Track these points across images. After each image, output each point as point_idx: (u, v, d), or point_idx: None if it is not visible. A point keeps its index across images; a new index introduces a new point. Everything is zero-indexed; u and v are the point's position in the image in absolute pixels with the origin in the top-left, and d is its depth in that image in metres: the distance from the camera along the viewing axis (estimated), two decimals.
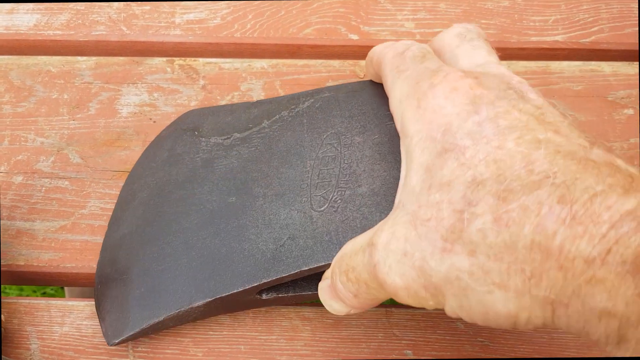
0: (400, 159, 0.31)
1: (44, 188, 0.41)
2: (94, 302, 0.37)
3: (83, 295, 0.57)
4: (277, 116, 0.38)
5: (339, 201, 0.34)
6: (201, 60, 0.46)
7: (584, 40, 0.47)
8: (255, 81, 0.45)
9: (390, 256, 0.26)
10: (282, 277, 0.33)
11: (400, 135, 0.30)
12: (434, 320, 0.38)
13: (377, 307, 0.38)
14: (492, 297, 0.24)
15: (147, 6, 0.48)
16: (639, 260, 0.21)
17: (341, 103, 0.38)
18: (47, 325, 0.37)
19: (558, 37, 0.47)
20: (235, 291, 0.34)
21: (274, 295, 0.35)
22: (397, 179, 0.32)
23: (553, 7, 0.48)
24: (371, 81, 0.38)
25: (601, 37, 0.47)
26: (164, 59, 0.46)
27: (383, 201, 0.33)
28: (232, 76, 0.45)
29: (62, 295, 0.85)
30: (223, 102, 0.45)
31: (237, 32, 0.47)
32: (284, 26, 0.47)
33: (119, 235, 0.38)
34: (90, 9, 0.48)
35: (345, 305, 0.31)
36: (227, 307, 0.36)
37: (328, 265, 0.32)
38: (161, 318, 0.34)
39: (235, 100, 0.44)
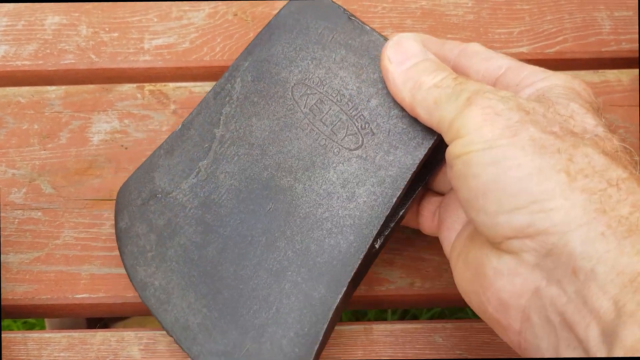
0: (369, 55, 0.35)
1: (17, 220, 0.41)
2: (71, 334, 0.37)
3: (62, 325, 0.56)
4: (222, 116, 0.37)
5: (366, 123, 0.34)
6: (171, 84, 0.46)
7: (548, 50, 0.48)
8: None
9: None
10: (394, 202, 0.33)
11: None
12: (412, 335, 0.38)
13: (356, 324, 0.38)
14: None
15: (116, 33, 0.48)
16: None
17: (265, 64, 0.37)
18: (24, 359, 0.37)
19: (523, 49, 0.47)
20: (363, 253, 0.33)
21: (381, 241, 0.34)
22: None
23: (517, 19, 0.49)
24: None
25: (565, 47, 0.48)
26: (134, 85, 0.46)
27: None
28: None
29: (43, 324, 0.84)
30: None
31: (207, 55, 0.47)
32: None
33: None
34: (58, 38, 0.48)
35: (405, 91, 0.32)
36: (356, 283, 0.35)
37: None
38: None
39: None
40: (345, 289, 0.33)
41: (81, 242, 0.40)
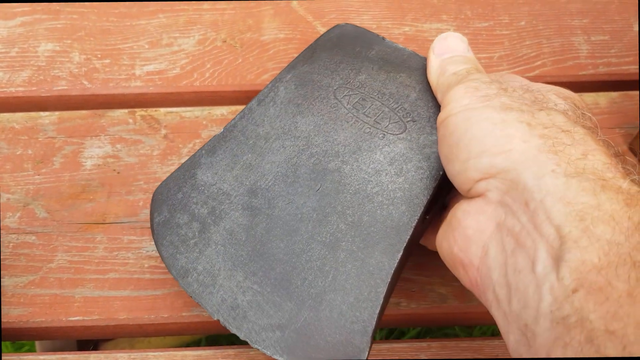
0: (405, 65, 0.39)
1: (11, 244, 0.42)
2: (65, 356, 0.38)
3: (54, 347, 0.57)
4: (266, 117, 0.38)
5: (407, 113, 0.37)
6: (162, 110, 0.48)
7: (528, 74, 0.49)
8: (215, 128, 0.47)
9: None
10: (441, 174, 0.35)
11: None
12: (398, 354, 0.39)
13: None
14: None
15: (108, 59, 0.49)
16: None
17: (308, 74, 0.40)
18: None
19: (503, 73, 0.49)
20: (416, 220, 0.34)
21: (430, 214, 0.36)
22: (421, 77, 0.39)
23: (497, 44, 0.50)
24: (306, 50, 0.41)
25: (544, 71, 0.49)
26: (126, 110, 0.47)
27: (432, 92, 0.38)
28: (193, 124, 0.47)
29: (33, 345, 0.84)
30: (185, 150, 0.46)
31: (197, 81, 0.49)
32: (242, 73, 0.49)
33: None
34: (52, 65, 0.49)
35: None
36: (409, 253, 0.36)
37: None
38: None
39: (197, 148, 0.45)
40: (401, 254, 0.34)
41: (74, 266, 0.41)
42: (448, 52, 0.37)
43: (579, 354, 0.23)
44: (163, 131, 0.46)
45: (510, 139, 0.29)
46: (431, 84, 0.38)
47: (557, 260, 0.25)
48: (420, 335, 0.77)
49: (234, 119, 0.39)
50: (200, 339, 0.74)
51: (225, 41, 0.50)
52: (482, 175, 0.30)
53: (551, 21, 0.51)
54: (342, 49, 0.40)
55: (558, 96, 0.33)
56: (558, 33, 0.51)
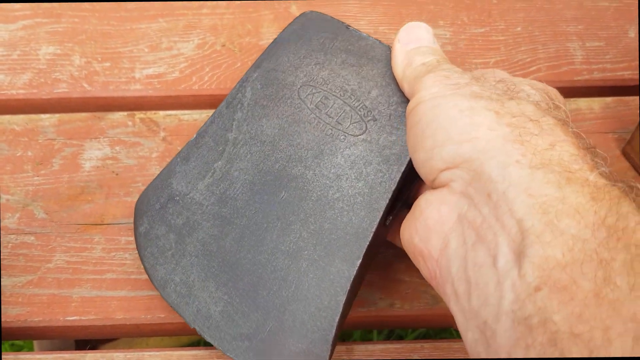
0: (367, 56, 0.39)
1: (10, 244, 0.42)
2: (62, 355, 0.38)
3: (51, 347, 0.57)
4: (234, 121, 0.39)
5: (368, 111, 0.37)
6: (161, 113, 0.48)
7: None
8: None
9: None
10: (399, 177, 0.35)
11: None
12: (392, 355, 0.39)
13: (339, 344, 0.40)
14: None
15: (108, 62, 0.50)
16: None
17: (273, 72, 0.39)
18: None
19: None
20: (375, 226, 0.34)
21: (390, 219, 0.36)
22: (384, 68, 0.38)
23: (493, 50, 0.51)
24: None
25: (540, 76, 0.50)
26: (125, 113, 0.48)
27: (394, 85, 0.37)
28: (192, 127, 0.47)
29: (31, 345, 0.85)
30: None
31: (195, 84, 0.49)
32: (240, 77, 0.49)
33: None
34: (52, 68, 0.50)
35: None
36: (370, 257, 0.36)
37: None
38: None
39: None
40: (360, 261, 0.34)
41: (72, 266, 0.41)
42: (414, 42, 0.36)
43: (542, 356, 0.22)
44: (162, 134, 0.47)
45: (477, 127, 0.28)
46: (396, 75, 0.37)
47: (519, 255, 0.24)
48: (419, 338, 0.78)
49: (205, 123, 0.39)
50: (199, 340, 0.75)
51: (224, 45, 0.51)
52: (446, 164, 0.29)
53: (546, 27, 0.52)
54: (307, 42, 0.40)
55: (532, 87, 0.32)
56: (553, 39, 0.51)
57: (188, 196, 0.37)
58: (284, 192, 0.36)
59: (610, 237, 0.23)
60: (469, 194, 0.28)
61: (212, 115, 0.39)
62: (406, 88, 0.35)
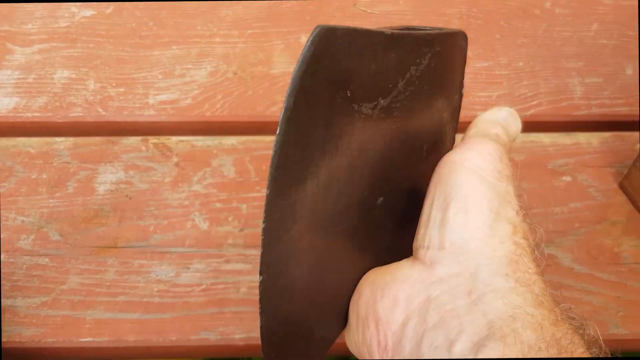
0: None
1: (25, 265, 0.43)
2: None
3: None
4: (408, 74, 0.31)
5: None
6: (174, 138, 0.49)
7: (524, 113, 0.51)
8: (226, 157, 0.48)
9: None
10: None
11: None
12: None
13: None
14: None
15: (122, 88, 0.51)
16: None
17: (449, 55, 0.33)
18: None
19: None
20: None
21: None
22: None
23: (496, 84, 0.52)
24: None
25: (540, 110, 0.52)
26: (139, 138, 0.49)
27: None
28: (204, 153, 0.49)
29: None
30: (195, 178, 0.48)
31: (208, 111, 0.50)
32: (252, 105, 0.51)
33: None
34: (68, 92, 0.51)
35: None
36: None
37: None
38: None
39: (207, 177, 0.47)
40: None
41: (86, 288, 0.42)
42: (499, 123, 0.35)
43: None
44: (175, 159, 0.48)
45: (493, 235, 0.29)
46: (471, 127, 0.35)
47: (478, 345, 0.26)
48: None
49: None
50: None
51: (236, 73, 0.52)
52: (441, 245, 0.29)
53: (548, 63, 0.54)
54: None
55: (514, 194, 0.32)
56: (554, 74, 0.53)
57: None
58: (381, 199, 0.32)
59: (560, 354, 0.25)
60: (450, 283, 0.29)
61: None
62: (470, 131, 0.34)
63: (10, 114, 0.50)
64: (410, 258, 0.31)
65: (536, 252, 0.30)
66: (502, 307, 0.27)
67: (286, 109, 0.24)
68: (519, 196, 0.32)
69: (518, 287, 0.27)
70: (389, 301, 0.30)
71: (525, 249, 0.29)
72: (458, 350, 0.26)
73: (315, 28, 0.24)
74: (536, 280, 0.28)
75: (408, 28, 0.32)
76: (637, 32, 0.55)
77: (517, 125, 0.36)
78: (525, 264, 0.29)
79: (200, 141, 0.49)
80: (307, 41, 0.24)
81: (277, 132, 0.24)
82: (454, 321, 0.27)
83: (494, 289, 0.27)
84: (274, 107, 0.51)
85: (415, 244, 0.31)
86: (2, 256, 0.43)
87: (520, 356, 0.25)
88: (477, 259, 0.29)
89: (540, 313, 0.27)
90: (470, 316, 0.27)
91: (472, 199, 0.30)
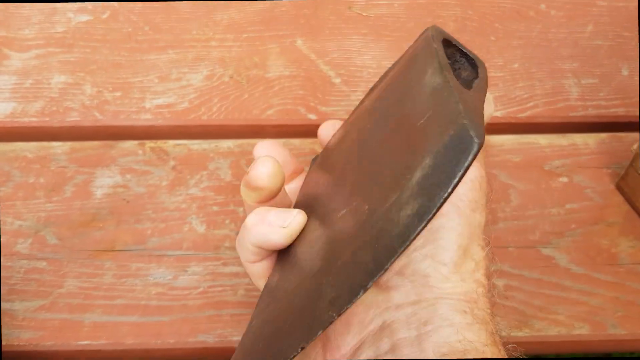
0: None
1: (22, 269, 0.43)
2: None
3: None
4: None
5: None
6: (171, 142, 0.49)
7: (520, 115, 0.51)
8: (222, 160, 0.49)
9: None
10: None
11: None
12: None
13: None
14: None
15: (119, 92, 0.52)
16: None
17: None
18: None
19: (497, 113, 0.51)
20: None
21: None
22: None
23: (492, 86, 0.53)
24: None
25: (536, 112, 0.52)
26: (136, 142, 0.49)
27: None
28: (201, 156, 0.49)
29: None
30: (192, 181, 0.48)
31: (204, 114, 0.51)
32: (248, 108, 0.51)
33: None
34: (64, 97, 0.51)
35: None
36: None
37: None
38: None
39: (204, 180, 0.47)
40: None
41: (84, 291, 0.42)
42: None
43: None
44: (171, 162, 0.48)
45: (459, 272, 0.29)
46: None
47: None
48: None
49: None
50: None
51: (232, 77, 0.52)
52: (406, 270, 0.29)
53: (543, 64, 0.54)
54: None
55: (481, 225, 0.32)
56: (550, 76, 0.53)
57: None
58: None
59: None
60: (406, 312, 0.28)
61: None
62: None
63: (8, 119, 0.50)
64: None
65: (493, 292, 0.30)
66: (456, 342, 0.27)
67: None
68: (486, 225, 0.32)
69: (474, 324, 0.27)
70: (340, 324, 0.30)
71: (485, 287, 0.29)
72: None
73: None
74: (490, 320, 0.29)
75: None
76: (633, 33, 0.56)
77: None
78: (483, 303, 0.29)
79: (197, 145, 0.49)
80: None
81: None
82: (405, 350, 0.27)
83: (451, 324, 0.27)
84: (270, 111, 0.51)
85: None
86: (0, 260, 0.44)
87: None
88: (436, 292, 0.28)
89: (490, 351, 0.27)
90: (422, 346, 0.27)
91: (445, 231, 0.29)
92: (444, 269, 0.29)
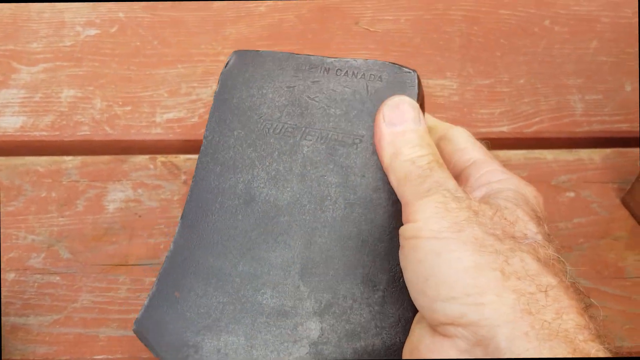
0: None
1: (36, 284, 0.43)
2: None
3: None
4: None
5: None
6: (182, 156, 0.50)
7: (526, 130, 0.52)
8: None
9: None
10: None
11: None
12: None
13: None
14: None
15: (129, 106, 0.52)
16: None
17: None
18: None
19: (504, 128, 0.52)
20: None
21: None
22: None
23: (498, 101, 0.53)
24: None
25: (542, 127, 0.53)
26: (147, 156, 0.50)
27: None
28: None
29: None
30: None
31: None
32: None
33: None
34: (74, 111, 0.51)
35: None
36: None
37: None
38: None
39: None
40: None
41: (98, 306, 0.43)
42: (400, 124, 0.34)
43: None
44: (183, 177, 0.49)
45: (484, 291, 0.28)
46: (381, 159, 0.35)
47: None
48: None
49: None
50: None
51: None
52: (451, 321, 0.28)
53: (548, 80, 0.55)
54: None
55: (525, 213, 0.32)
56: (555, 91, 0.54)
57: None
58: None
59: None
60: (475, 354, 0.28)
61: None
62: (392, 181, 0.34)
63: (18, 133, 0.50)
64: (426, 334, 0.31)
65: (548, 281, 0.29)
66: None
67: None
68: (495, 212, 0.32)
69: (542, 344, 0.26)
70: None
71: (530, 290, 0.28)
72: None
73: None
74: (561, 325, 0.27)
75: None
76: (636, 49, 0.57)
77: (405, 105, 0.35)
78: (541, 312, 0.27)
79: None
80: None
81: None
82: None
83: (519, 355, 0.26)
84: None
85: (430, 322, 0.30)
86: (12, 275, 0.43)
87: None
88: (486, 325, 0.28)
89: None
90: None
91: (444, 269, 0.29)
92: (483, 297, 0.28)
